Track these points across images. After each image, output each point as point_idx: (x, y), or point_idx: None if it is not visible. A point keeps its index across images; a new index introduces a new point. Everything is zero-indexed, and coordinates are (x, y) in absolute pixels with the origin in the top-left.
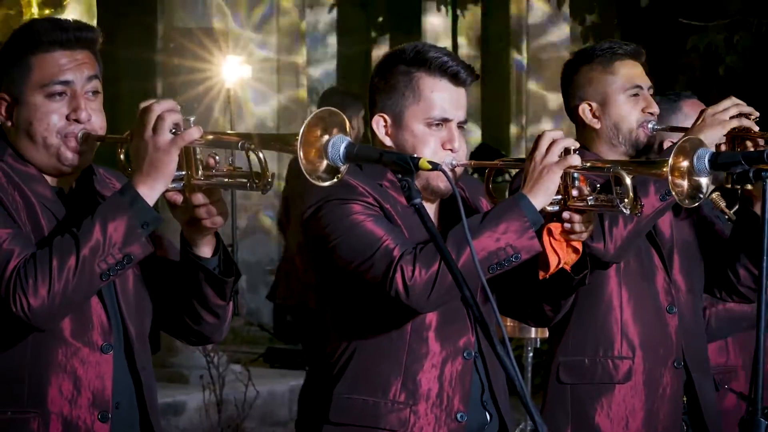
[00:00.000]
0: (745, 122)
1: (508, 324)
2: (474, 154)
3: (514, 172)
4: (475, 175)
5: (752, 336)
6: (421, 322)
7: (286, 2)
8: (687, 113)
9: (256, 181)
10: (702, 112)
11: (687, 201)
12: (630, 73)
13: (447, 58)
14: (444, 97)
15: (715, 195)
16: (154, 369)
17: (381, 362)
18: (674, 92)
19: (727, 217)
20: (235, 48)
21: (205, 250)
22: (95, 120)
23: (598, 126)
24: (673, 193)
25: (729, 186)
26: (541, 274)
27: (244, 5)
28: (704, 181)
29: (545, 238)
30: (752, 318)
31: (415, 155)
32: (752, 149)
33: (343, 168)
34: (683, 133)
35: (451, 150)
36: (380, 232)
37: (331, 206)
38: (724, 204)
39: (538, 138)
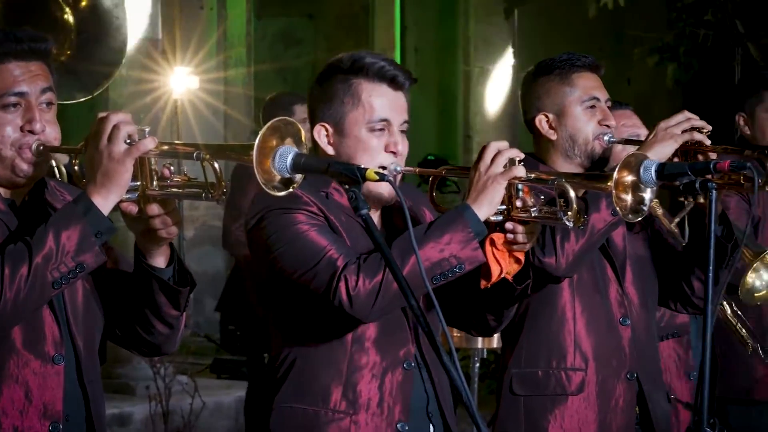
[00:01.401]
0: (697, 136)
1: (455, 334)
2: (421, 166)
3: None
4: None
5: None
6: (363, 332)
7: (234, 13)
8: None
9: (211, 191)
10: (655, 125)
11: (630, 216)
12: (587, 85)
13: (384, 63)
14: (383, 101)
15: (653, 202)
16: (101, 380)
17: (322, 371)
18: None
19: (663, 225)
20: (182, 59)
21: (160, 260)
22: (50, 131)
23: (554, 137)
24: (617, 208)
25: (681, 198)
26: (483, 284)
27: (192, 16)
28: (647, 195)
29: (488, 247)
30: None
31: (362, 165)
32: None
33: (298, 177)
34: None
35: (394, 153)
36: (324, 241)
37: (274, 216)
38: (662, 211)
39: (483, 148)
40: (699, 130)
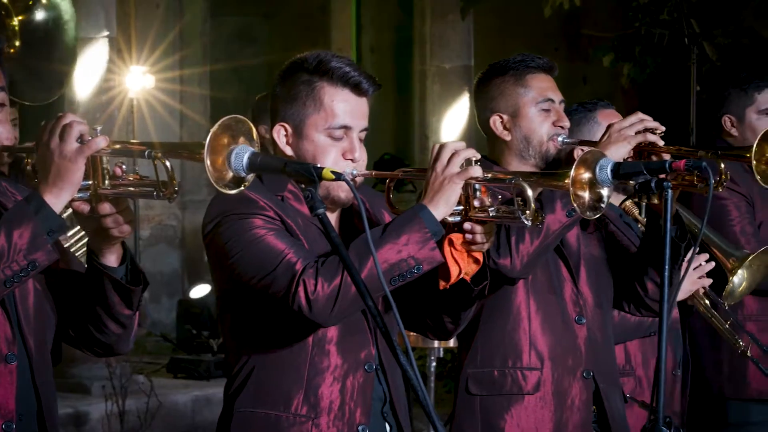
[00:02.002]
0: (651, 137)
1: (411, 334)
2: (377, 165)
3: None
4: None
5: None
6: (323, 335)
7: (190, 12)
8: (599, 122)
9: (163, 189)
10: (608, 127)
11: (588, 213)
12: (542, 86)
13: (349, 68)
14: (345, 107)
15: (628, 203)
16: (56, 379)
17: (283, 375)
18: (592, 101)
19: (640, 225)
20: (138, 58)
21: (112, 259)
22: (3, 131)
23: (508, 138)
24: (575, 205)
25: (637, 199)
26: (442, 285)
27: (147, 15)
28: (605, 192)
29: (446, 248)
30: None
31: (319, 165)
32: None
33: (249, 176)
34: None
35: (352, 160)
36: (281, 246)
37: (231, 221)
38: (638, 212)
39: (440, 148)
40: (652, 131)
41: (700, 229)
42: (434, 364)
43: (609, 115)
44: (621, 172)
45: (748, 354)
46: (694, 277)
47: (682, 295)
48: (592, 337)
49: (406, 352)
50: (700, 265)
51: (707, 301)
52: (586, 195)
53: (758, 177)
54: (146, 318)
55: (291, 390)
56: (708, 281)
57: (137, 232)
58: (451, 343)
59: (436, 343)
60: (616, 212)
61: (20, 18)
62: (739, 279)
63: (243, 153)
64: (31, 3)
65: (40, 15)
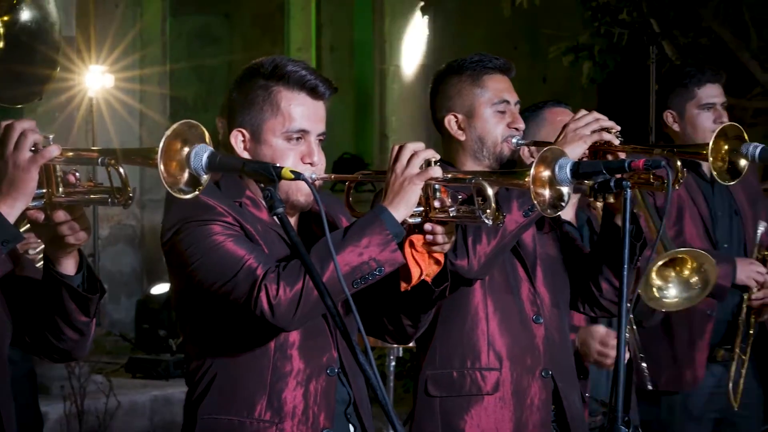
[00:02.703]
0: (606, 136)
1: None
2: (337, 164)
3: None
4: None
5: None
6: (285, 339)
7: (149, 11)
8: (546, 118)
9: (118, 196)
10: (564, 127)
11: (549, 210)
12: (498, 87)
13: (305, 71)
14: (302, 111)
15: (600, 204)
16: (10, 385)
17: (246, 381)
18: (543, 101)
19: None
20: (97, 57)
21: (69, 267)
22: None
23: (463, 138)
24: (535, 203)
25: (592, 199)
26: (403, 286)
27: (107, 14)
28: (566, 190)
29: (407, 249)
30: None
31: (278, 165)
32: None
33: (204, 178)
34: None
35: (310, 164)
36: (241, 251)
37: (190, 228)
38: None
39: (399, 150)
40: (608, 130)
41: (660, 227)
42: (393, 363)
43: (557, 113)
44: (580, 171)
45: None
46: None
47: None
48: (550, 336)
49: (366, 352)
50: None
51: None
52: (546, 193)
53: (715, 173)
54: (104, 318)
55: (254, 395)
56: None
57: (96, 232)
58: (411, 342)
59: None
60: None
61: (4, 18)
62: (665, 283)
63: (202, 153)
64: (15, 2)
65: (25, 15)
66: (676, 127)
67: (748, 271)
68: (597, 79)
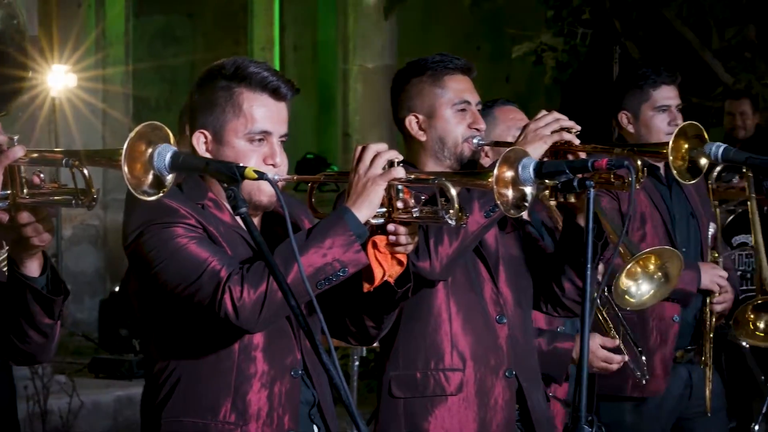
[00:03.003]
0: (566, 136)
1: None
2: (300, 164)
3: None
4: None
5: None
6: (249, 341)
7: (112, 11)
8: (496, 117)
9: (82, 197)
10: (524, 127)
11: (512, 211)
12: (459, 87)
13: (267, 73)
14: (264, 112)
15: (553, 203)
16: None
17: (209, 383)
18: (492, 100)
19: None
20: (60, 57)
21: (33, 269)
22: None
23: (423, 138)
24: (498, 203)
25: (553, 200)
26: (366, 287)
27: (70, 13)
28: (529, 190)
29: (370, 250)
30: None
31: (241, 164)
32: None
33: (169, 178)
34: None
35: (273, 165)
36: (205, 254)
37: (153, 231)
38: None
39: (362, 150)
40: (568, 130)
41: (624, 228)
42: (357, 363)
43: (507, 111)
44: (543, 171)
45: (617, 342)
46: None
47: None
48: (514, 336)
49: (329, 352)
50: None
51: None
52: (509, 193)
53: (675, 173)
54: (68, 318)
55: (218, 397)
56: None
57: (59, 232)
58: (374, 343)
59: None
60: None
61: None
62: (636, 283)
63: (165, 153)
64: None
65: None
66: (630, 128)
67: (711, 276)
68: (560, 78)
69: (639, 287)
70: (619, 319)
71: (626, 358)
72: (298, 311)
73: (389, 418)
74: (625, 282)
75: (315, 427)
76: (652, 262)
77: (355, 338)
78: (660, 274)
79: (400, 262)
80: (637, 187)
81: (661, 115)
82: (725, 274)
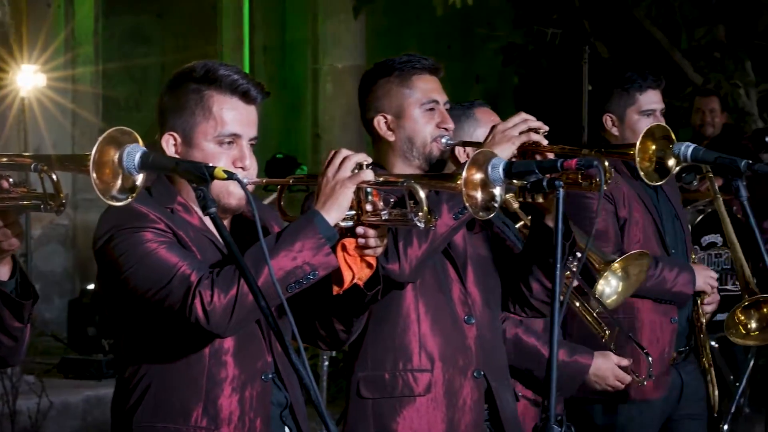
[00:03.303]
0: (534, 137)
1: None
2: (269, 164)
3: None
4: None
5: None
6: (219, 346)
7: (82, 11)
8: (479, 119)
9: (51, 202)
10: (492, 128)
11: (481, 213)
12: (427, 87)
13: (237, 76)
14: (234, 115)
15: (508, 196)
16: None
17: (181, 388)
18: (469, 101)
19: (522, 222)
20: (29, 57)
21: (2, 273)
22: None
23: (392, 139)
24: (467, 205)
25: (521, 199)
26: (335, 290)
27: (39, 13)
28: (498, 191)
29: (339, 253)
30: None
31: (211, 164)
32: None
33: (138, 180)
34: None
35: (242, 168)
36: (175, 258)
37: (123, 236)
38: (518, 205)
39: (333, 154)
40: (536, 130)
41: (591, 227)
42: (327, 364)
43: (486, 112)
44: (513, 171)
45: (611, 347)
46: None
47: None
48: (482, 336)
49: (298, 352)
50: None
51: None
52: (478, 195)
53: (642, 174)
54: (36, 318)
55: (190, 402)
56: None
57: (28, 232)
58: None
59: None
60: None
61: None
62: (610, 284)
63: (135, 153)
64: None
65: None
66: (615, 131)
67: (704, 278)
68: (530, 78)
69: (608, 285)
70: (614, 321)
71: (628, 362)
72: (267, 312)
73: (357, 419)
74: (600, 286)
75: (287, 429)
76: (619, 263)
77: (325, 342)
78: (621, 272)
79: (369, 265)
80: (606, 187)
81: (647, 119)
82: (715, 275)
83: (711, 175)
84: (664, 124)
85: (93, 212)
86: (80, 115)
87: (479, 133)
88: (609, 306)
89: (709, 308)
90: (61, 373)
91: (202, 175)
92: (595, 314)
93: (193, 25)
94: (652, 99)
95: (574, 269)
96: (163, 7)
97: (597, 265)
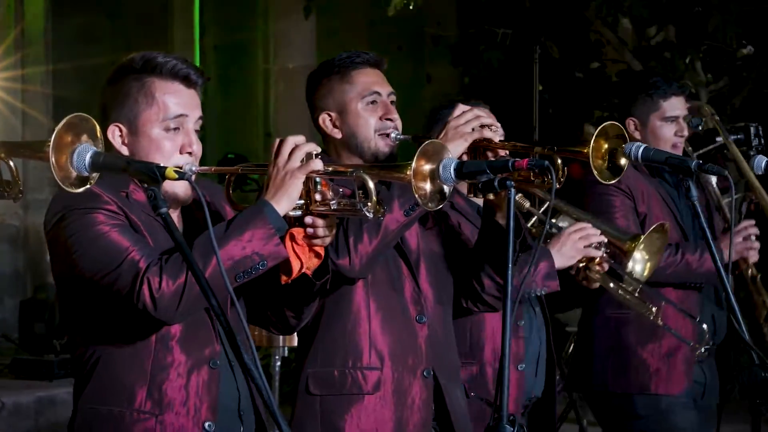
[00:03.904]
0: (487, 133)
1: (256, 333)
2: (221, 164)
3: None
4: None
5: None
6: (166, 331)
7: (31, 11)
8: None
9: (8, 189)
10: (445, 124)
11: (431, 204)
12: (367, 80)
13: (176, 61)
14: (177, 99)
15: (518, 197)
16: None
17: (127, 372)
18: (474, 102)
19: (535, 217)
20: None
21: None
22: None
23: (339, 136)
24: (417, 196)
25: (472, 196)
26: (284, 279)
27: None
28: (447, 186)
29: (288, 243)
30: None
31: (162, 165)
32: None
33: (94, 174)
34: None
35: (189, 153)
36: (125, 242)
37: (75, 216)
38: (529, 204)
39: (281, 143)
40: (488, 127)
41: (545, 227)
42: (279, 363)
43: (482, 112)
44: (464, 171)
45: (659, 322)
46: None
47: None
48: (433, 334)
49: (250, 351)
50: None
51: (605, 274)
52: (427, 186)
53: (596, 172)
54: None
55: (135, 386)
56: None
57: None
58: (296, 342)
59: (281, 342)
60: (473, 208)
61: None
62: (638, 261)
63: (85, 152)
64: None
65: None
66: (637, 135)
67: (736, 247)
68: (480, 77)
69: (638, 262)
70: (657, 295)
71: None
72: (218, 311)
73: (305, 415)
74: (630, 264)
75: (241, 426)
76: (640, 240)
77: (276, 328)
78: (645, 248)
79: (317, 255)
80: (557, 186)
81: (669, 125)
82: (739, 239)
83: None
84: (686, 131)
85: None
86: (30, 115)
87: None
88: (645, 278)
89: (753, 257)
90: (12, 374)
91: (153, 176)
92: (636, 294)
93: (144, 25)
94: (675, 106)
95: (606, 252)
96: (113, 7)
97: (623, 246)
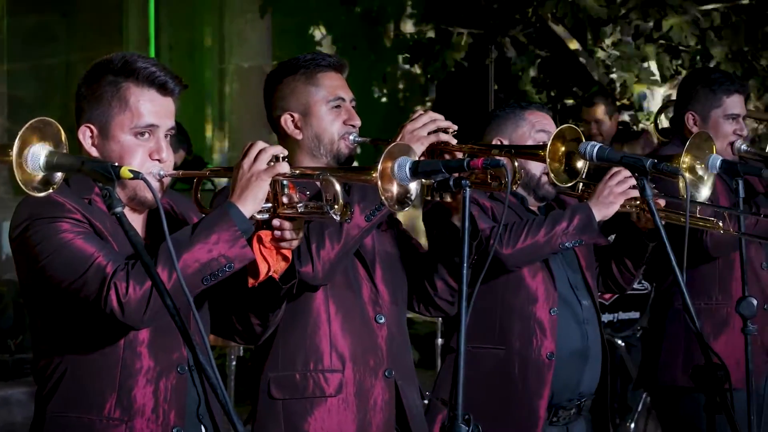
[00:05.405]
0: (443, 136)
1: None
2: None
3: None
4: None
5: None
6: (134, 337)
7: None
8: (527, 118)
9: None
10: (401, 128)
11: (396, 206)
12: (333, 84)
13: (155, 68)
14: (151, 107)
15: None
16: None
17: (94, 378)
18: (526, 102)
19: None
20: None
21: None
22: None
23: (300, 137)
24: (383, 198)
25: (429, 197)
26: (251, 282)
27: None
28: (413, 186)
29: (255, 245)
30: None
31: (117, 164)
32: None
33: (57, 178)
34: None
35: (158, 160)
36: (91, 249)
37: (39, 225)
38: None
39: (249, 146)
40: (445, 130)
41: (498, 228)
42: (234, 363)
43: (539, 116)
44: (419, 170)
45: (732, 231)
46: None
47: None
48: (392, 335)
49: (205, 351)
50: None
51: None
52: (393, 188)
53: (552, 175)
54: None
55: (103, 393)
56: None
57: None
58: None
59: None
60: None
61: None
62: (700, 183)
63: (39, 153)
64: None
65: None
66: (695, 129)
67: None
68: (437, 77)
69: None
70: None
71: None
72: (174, 311)
73: (268, 420)
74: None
75: (203, 428)
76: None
77: (241, 336)
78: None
79: (285, 258)
80: (514, 188)
81: (730, 122)
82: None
83: None
84: (745, 131)
85: (1, 212)
86: None
87: (519, 132)
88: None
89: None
90: None
91: (107, 175)
92: (697, 216)
93: (99, 23)
94: (737, 103)
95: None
96: (68, 6)
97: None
